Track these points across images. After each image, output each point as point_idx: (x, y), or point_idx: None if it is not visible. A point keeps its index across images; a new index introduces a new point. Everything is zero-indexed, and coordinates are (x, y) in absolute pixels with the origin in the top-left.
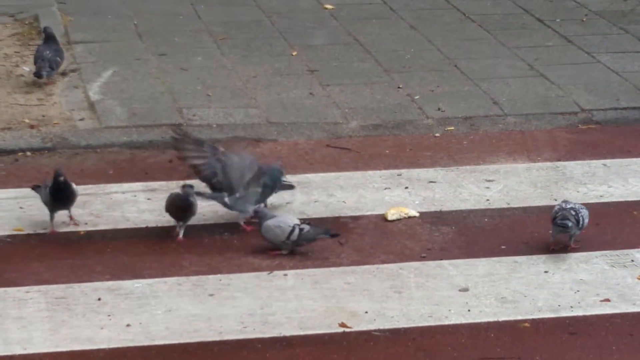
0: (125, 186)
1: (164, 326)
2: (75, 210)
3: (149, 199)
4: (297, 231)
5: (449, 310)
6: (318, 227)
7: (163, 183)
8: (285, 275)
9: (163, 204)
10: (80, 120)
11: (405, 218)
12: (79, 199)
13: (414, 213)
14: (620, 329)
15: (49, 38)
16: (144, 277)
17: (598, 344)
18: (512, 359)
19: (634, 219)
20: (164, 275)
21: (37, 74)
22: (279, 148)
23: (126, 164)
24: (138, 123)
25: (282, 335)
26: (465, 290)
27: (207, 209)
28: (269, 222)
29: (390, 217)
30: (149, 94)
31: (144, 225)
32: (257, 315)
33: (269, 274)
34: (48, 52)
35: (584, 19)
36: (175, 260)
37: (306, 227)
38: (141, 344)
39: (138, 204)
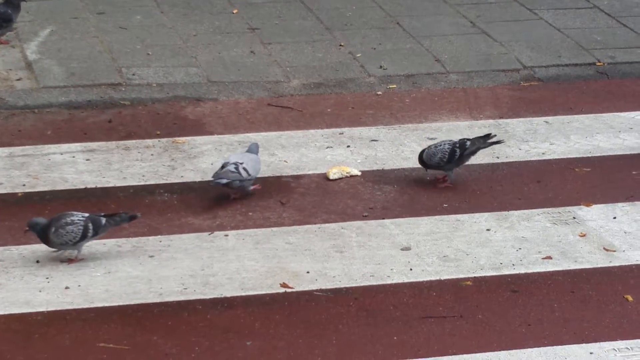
0: (64, 147)
1: (104, 288)
2: (13, 171)
3: (87, 159)
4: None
5: (391, 269)
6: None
7: (102, 143)
8: (226, 235)
9: (102, 164)
10: (18, 80)
11: (347, 177)
12: (16, 160)
13: (356, 172)
14: (562, 286)
15: None
16: None
17: (539, 301)
18: (454, 317)
19: (576, 175)
20: (102, 236)
21: None
22: (220, 107)
23: (64, 124)
24: (76, 83)
25: (223, 296)
26: (408, 249)
27: (146, 170)
28: None
29: (332, 176)
30: (87, 53)
31: (82, 187)
32: (198, 276)
33: (209, 234)
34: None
35: None
36: None
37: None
38: (80, 307)
39: (77, 164)
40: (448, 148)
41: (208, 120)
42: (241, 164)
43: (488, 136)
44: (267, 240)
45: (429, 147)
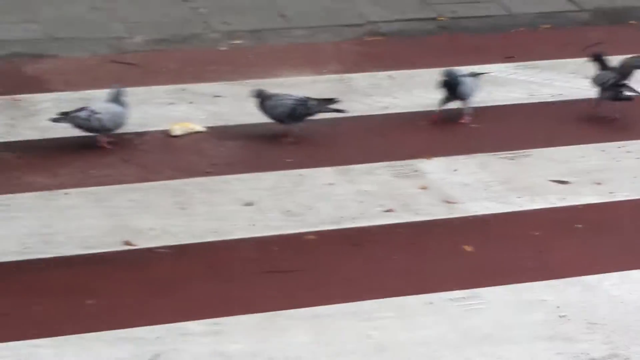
0: None
1: None
2: None
3: None
4: None
5: (234, 225)
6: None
7: None
8: (67, 194)
9: None
10: None
11: (190, 133)
12: None
13: (199, 128)
14: (403, 238)
15: None
16: None
17: (381, 254)
18: (296, 271)
19: (418, 129)
20: None
21: None
22: (61, 64)
23: None
24: None
25: (63, 255)
26: (250, 204)
27: None
28: None
29: (174, 133)
30: None
31: None
32: (38, 235)
33: (50, 192)
34: None
35: None
36: None
37: None
38: None
39: None
40: (291, 104)
41: (48, 77)
42: (97, 113)
43: (332, 101)
44: (109, 197)
45: (272, 98)
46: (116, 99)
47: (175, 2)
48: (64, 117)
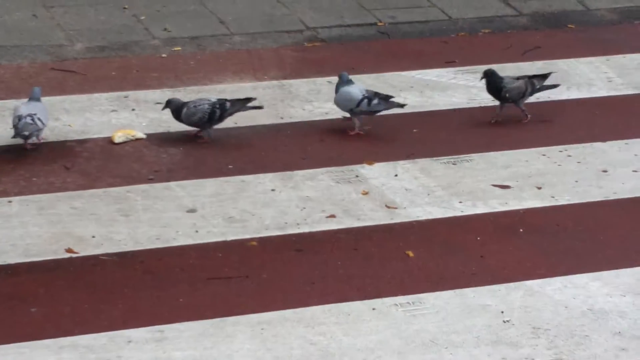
0: None
1: None
2: None
3: None
4: None
5: (177, 231)
6: None
7: None
8: (10, 202)
9: None
10: None
11: (132, 140)
12: None
13: (141, 135)
14: (346, 243)
15: None
16: None
17: (324, 259)
18: (239, 277)
19: (358, 135)
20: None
21: None
22: (2, 72)
23: None
24: None
25: (6, 263)
26: (193, 211)
27: None
28: None
29: (117, 140)
30: None
31: None
32: None
33: None
34: None
35: None
36: None
37: None
38: None
39: None
40: (208, 108)
41: None
42: (35, 114)
43: (249, 100)
44: (52, 205)
45: (187, 106)
46: (31, 99)
47: (115, 9)
48: (17, 133)
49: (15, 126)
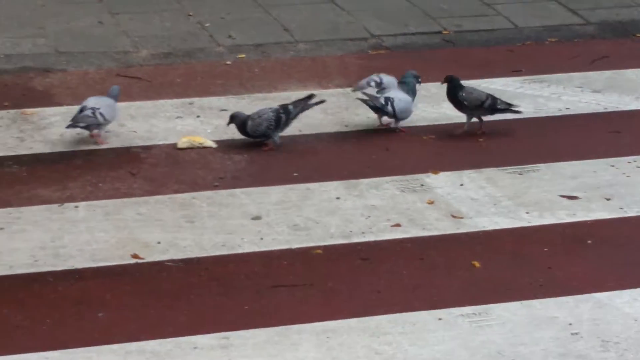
0: None
1: None
2: None
3: None
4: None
5: (242, 238)
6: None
7: None
8: (77, 207)
9: None
10: None
11: (198, 147)
12: None
13: (210, 143)
14: (411, 253)
15: None
16: None
17: (389, 268)
18: (304, 285)
19: (423, 143)
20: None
21: None
22: (69, 78)
23: None
24: None
25: (73, 267)
26: (258, 218)
27: None
28: None
29: (180, 145)
30: None
31: None
32: (49, 248)
33: (59, 206)
34: None
35: None
36: None
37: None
38: None
39: None
40: (273, 116)
41: (57, 91)
42: (98, 109)
43: (310, 97)
44: (118, 211)
45: (251, 118)
46: (108, 94)
47: (180, 16)
48: (73, 122)
49: (75, 115)
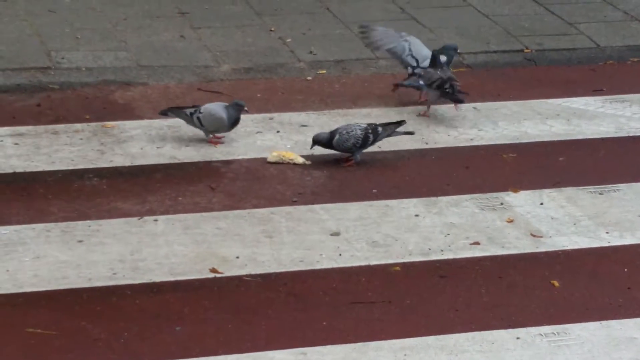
0: None
1: (32, 273)
2: None
3: (16, 143)
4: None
5: (320, 254)
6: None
7: (31, 127)
8: (156, 220)
9: (30, 148)
10: None
11: (288, 163)
12: None
13: (300, 160)
14: (490, 271)
15: None
16: (10, 224)
17: (468, 286)
18: (383, 302)
19: (503, 162)
20: (31, 221)
21: None
22: (150, 92)
23: None
24: (5, 66)
25: (152, 281)
26: (337, 234)
27: (75, 154)
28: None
29: (270, 159)
30: (16, 37)
31: (11, 171)
32: (127, 261)
33: (139, 219)
34: None
35: None
36: (43, 207)
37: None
38: (9, 292)
39: (5, 149)
40: (361, 134)
41: (138, 104)
42: (200, 113)
43: (399, 123)
44: (197, 225)
45: (339, 133)
46: (228, 106)
47: (262, 32)
48: (173, 110)
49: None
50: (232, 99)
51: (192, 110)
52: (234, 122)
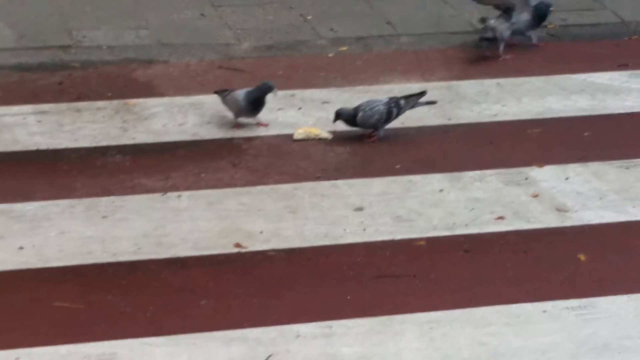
0: (15, 109)
1: (58, 248)
2: None
3: (39, 121)
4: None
5: (344, 229)
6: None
7: (53, 105)
8: (179, 196)
9: (53, 126)
10: None
11: (314, 139)
12: None
13: (325, 135)
14: (515, 246)
15: None
16: (35, 200)
17: (492, 261)
18: (407, 276)
19: (527, 137)
20: (56, 197)
21: None
22: (171, 69)
23: (15, 86)
24: (27, 45)
25: (176, 256)
26: (361, 209)
27: (98, 131)
28: None
29: (296, 137)
30: (37, 15)
31: (34, 148)
32: (151, 236)
33: (162, 195)
34: None
35: None
36: (67, 183)
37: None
38: (35, 267)
39: (28, 126)
40: (385, 109)
41: (159, 82)
42: (228, 94)
43: (421, 94)
44: (220, 200)
45: (362, 109)
46: (252, 90)
47: (283, 9)
48: (217, 92)
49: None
50: (252, 76)
51: (226, 93)
52: (256, 107)
